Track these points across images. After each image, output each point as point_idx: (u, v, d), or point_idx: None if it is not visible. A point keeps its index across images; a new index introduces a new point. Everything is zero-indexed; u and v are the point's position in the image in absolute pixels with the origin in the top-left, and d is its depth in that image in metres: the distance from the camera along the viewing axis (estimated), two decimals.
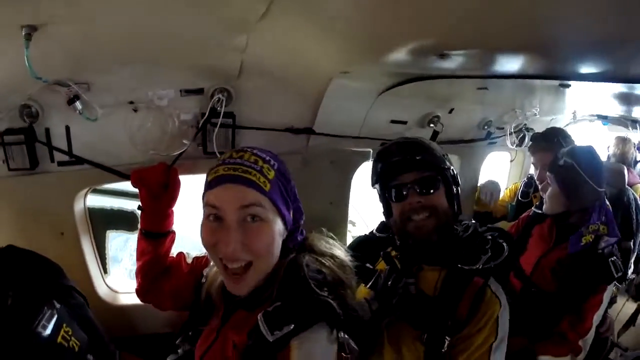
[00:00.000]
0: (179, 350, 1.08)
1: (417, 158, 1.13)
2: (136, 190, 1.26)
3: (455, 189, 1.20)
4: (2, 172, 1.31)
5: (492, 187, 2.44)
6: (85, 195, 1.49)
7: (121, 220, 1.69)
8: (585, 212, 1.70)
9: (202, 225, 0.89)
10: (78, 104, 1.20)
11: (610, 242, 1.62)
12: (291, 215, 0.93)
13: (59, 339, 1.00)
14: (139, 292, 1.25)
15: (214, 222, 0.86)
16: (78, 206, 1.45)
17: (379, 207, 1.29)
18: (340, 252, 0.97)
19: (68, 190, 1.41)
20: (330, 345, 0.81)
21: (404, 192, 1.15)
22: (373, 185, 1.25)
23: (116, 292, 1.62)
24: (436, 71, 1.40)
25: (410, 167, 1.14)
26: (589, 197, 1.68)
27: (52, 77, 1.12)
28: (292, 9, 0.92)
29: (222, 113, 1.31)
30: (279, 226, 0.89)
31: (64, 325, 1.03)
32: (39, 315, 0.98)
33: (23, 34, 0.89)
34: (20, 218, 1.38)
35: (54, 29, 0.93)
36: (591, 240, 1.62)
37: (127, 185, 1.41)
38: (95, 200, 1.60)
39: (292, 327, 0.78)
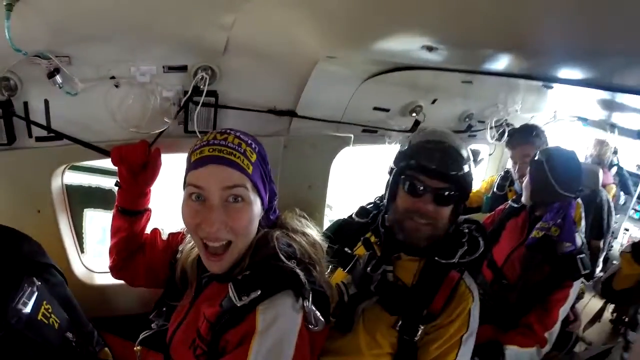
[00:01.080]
0: (152, 326, 1.09)
1: (451, 174, 1.09)
2: (114, 167, 1.24)
3: (462, 206, 1.18)
4: None
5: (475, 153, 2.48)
6: (63, 172, 1.45)
7: (99, 199, 1.66)
8: (546, 207, 1.75)
9: (184, 205, 0.90)
10: (58, 78, 1.16)
11: (570, 249, 1.64)
12: (267, 196, 0.95)
13: (39, 316, 1.00)
14: (113, 269, 1.25)
15: (196, 202, 0.88)
16: (55, 183, 1.41)
17: (355, 193, 1.29)
18: (312, 231, 1.00)
19: (46, 167, 1.37)
20: (294, 314, 0.84)
21: (421, 189, 1.11)
22: (395, 165, 1.19)
23: (93, 271, 1.60)
24: (422, 62, 1.40)
25: (439, 177, 1.11)
26: (547, 197, 1.71)
27: (33, 48, 1.08)
28: None
29: (205, 91, 1.30)
30: (257, 207, 0.91)
31: (44, 302, 1.03)
32: (20, 292, 0.97)
33: (4, 3, 0.85)
34: None
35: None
36: (538, 236, 1.68)
37: (104, 163, 1.38)
38: (72, 178, 1.56)
39: (258, 293, 0.82)
